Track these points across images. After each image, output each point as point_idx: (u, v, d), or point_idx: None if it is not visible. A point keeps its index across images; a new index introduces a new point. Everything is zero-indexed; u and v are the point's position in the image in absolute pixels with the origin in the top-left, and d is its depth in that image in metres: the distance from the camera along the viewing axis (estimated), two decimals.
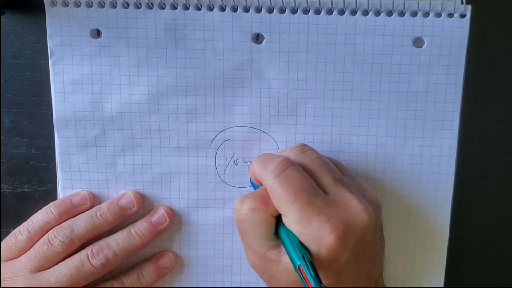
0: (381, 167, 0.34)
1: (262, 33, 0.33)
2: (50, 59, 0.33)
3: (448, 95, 0.33)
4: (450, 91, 0.33)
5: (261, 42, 0.33)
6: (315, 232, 0.26)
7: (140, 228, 0.33)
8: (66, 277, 0.31)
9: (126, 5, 0.32)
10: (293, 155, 0.29)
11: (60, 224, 0.33)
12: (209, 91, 0.33)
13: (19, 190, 0.36)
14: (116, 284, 0.33)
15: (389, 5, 0.32)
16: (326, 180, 0.28)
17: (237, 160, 0.34)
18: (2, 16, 0.34)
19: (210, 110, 0.34)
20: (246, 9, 0.32)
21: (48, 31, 0.33)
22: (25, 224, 0.33)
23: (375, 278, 0.29)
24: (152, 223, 0.34)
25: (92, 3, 0.32)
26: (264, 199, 0.28)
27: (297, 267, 0.25)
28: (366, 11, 0.32)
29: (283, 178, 0.27)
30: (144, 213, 0.34)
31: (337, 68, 0.33)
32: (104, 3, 0.32)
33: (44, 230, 0.33)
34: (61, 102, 0.33)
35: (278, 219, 0.28)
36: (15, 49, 0.34)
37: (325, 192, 0.28)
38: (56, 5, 0.32)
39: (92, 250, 0.32)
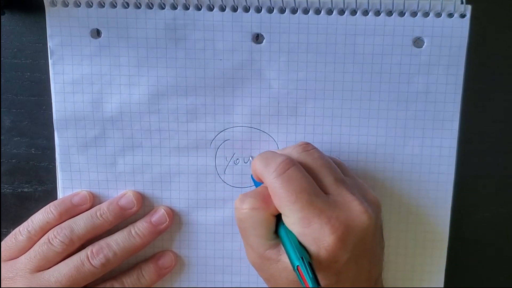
0: (381, 167, 0.34)
1: (262, 33, 0.33)
2: (50, 59, 0.33)
3: (448, 95, 0.33)
4: (450, 91, 0.33)
5: (261, 42, 0.33)
6: (315, 233, 0.26)
7: (140, 228, 0.33)
8: (66, 277, 0.31)
9: (126, 5, 0.32)
10: (295, 153, 0.29)
11: (60, 224, 0.33)
12: (209, 91, 0.33)
13: (19, 190, 0.36)
14: (116, 284, 0.33)
15: (389, 5, 0.32)
16: (328, 180, 0.28)
17: (237, 160, 0.34)
18: (2, 16, 0.34)
19: (210, 110, 0.34)
20: (246, 9, 0.32)
21: (48, 31, 0.33)
22: (25, 224, 0.33)
23: (375, 278, 0.29)
24: (152, 223, 0.34)
25: (92, 3, 0.32)
26: (265, 198, 0.28)
27: (295, 268, 0.25)
28: (366, 11, 0.32)
29: (285, 178, 0.27)
30: (144, 213, 0.34)
31: (337, 68, 0.33)
32: (104, 3, 0.32)
33: (44, 230, 0.33)
34: (61, 102, 0.33)
35: (278, 218, 0.28)
36: (15, 49, 0.34)
37: (326, 193, 0.27)
38: (56, 5, 0.32)
39: (92, 250, 0.32)
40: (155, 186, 0.35)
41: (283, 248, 0.27)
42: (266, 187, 0.28)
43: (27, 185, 0.36)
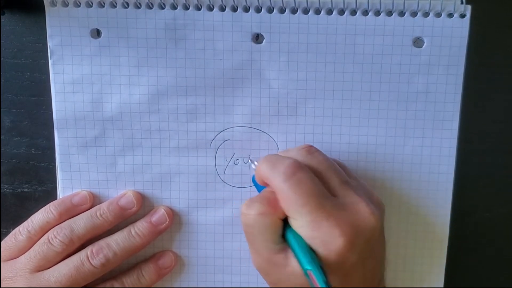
0: (381, 167, 0.34)
1: (262, 33, 0.33)
2: (50, 59, 0.33)
3: (448, 95, 0.33)
4: (450, 91, 0.33)
5: (261, 42, 0.33)
6: (324, 236, 0.26)
7: (140, 228, 0.33)
8: (66, 277, 0.31)
9: (126, 5, 0.32)
10: (299, 157, 0.29)
11: (60, 224, 0.33)
12: (209, 91, 0.33)
13: (19, 190, 0.36)
14: (116, 284, 0.33)
15: (389, 5, 0.32)
16: (334, 182, 0.28)
17: (237, 160, 0.34)
18: (2, 16, 0.34)
19: (210, 110, 0.34)
20: (246, 9, 0.32)
21: (48, 31, 0.33)
22: (25, 224, 0.33)
23: (378, 279, 0.29)
24: (152, 223, 0.34)
25: (92, 3, 0.32)
26: (272, 203, 0.27)
27: (306, 272, 0.25)
28: (366, 11, 0.32)
29: (293, 181, 0.26)
30: (144, 213, 0.34)
31: (337, 68, 0.33)
32: (104, 3, 0.32)
33: (44, 230, 0.33)
34: (61, 102, 0.33)
35: (285, 222, 0.28)
36: (15, 49, 0.34)
37: (333, 195, 0.27)
38: (56, 5, 0.32)
39: (92, 250, 0.32)
40: (155, 186, 0.35)
41: (290, 252, 0.27)
42: (272, 191, 0.28)
43: (27, 185, 0.36)
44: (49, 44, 0.33)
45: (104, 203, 0.34)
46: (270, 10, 0.32)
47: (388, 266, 0.34)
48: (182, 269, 0.36)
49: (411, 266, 0.35)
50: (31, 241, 0.32)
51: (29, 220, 0.33)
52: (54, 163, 0.35)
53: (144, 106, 0.33)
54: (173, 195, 0.35)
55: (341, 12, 0.32)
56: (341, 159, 0.34)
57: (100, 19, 0.32)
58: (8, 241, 0.33)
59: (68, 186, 0.34)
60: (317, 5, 0.32)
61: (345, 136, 0.34)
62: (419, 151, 0.34)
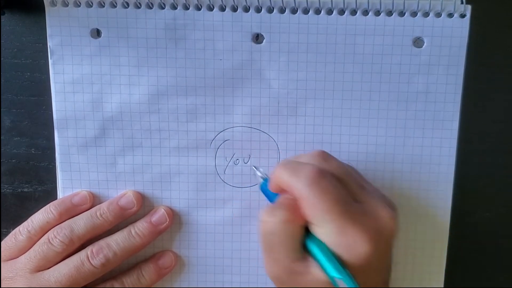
0: (381, 167, 0.34)
1: (262, 33, 0.33)
2: (50, 59, 0.33)
3: (448, 95, 0.33)
4: (450, 91, 0.33)
5: (261, 42, 0.33)
6: (349, 241, 0.25)
7: (140, 228, 0.33)
8: (66, 277, 0.31)
9: (126, 5, 0.32)
10: (315, 163, 0.28)
11: (60, 224, 0.33)
12: (209, 91, 0.33)
13: (19, 190, 0.36)
14: (116, 284, 0.33)
15: (389, 5, 0.32)
16: (352, 188, 0.28)
17: (237, 160, 0.34)
18: (2, 16, 0.34)
19: (210, 110, 0.34)
20: (246, 9, 0.32)
21: (48, 31, 0.33)
22: (25, 224, 0.33)
23: (388, 279, 0.29)
24: (152, 223, 0.34)
25: (92, 3, 0.32)
26: (295, 210, 0.27)
27: (333, 279, 0.25)
28: (366, 11, 0.32)
29: (319, 188, 0.26)
30: (144, 213, 0.34)
31: (337, 68, 0.33)
32: (104, 3, 0.32)
33: (44, 230, 0.33)
34: (61, 102, 0.33)
35: (305, 229, 0.27)
36: (15, 49, 0.34)
37: (353, 200, 0.27)
38: (56, 5, 0.32)
39: (92, 250, 0.32)
40: (155, 186, 0.35)
41: (311, 260, 0.26)
42: (292, 198, 0.27)
43: (27, 185, 0.36)
44: (49, 44, 0.33)
45: (104, 203, 0.34)
46: (270, 10, 0.32)
47: None
48: (182, 269, 0.36)
49: (411, 266, 0.35)
50: (31, 241, 0.32)
51: (29, 220, 0.33)
52: (54, 163, 0.35)
53: (144, 106, 0.33)
54: (173, 195, 0.35)
55: (341, 12, 0.32)
56: (341, 159, 0.34)
57: (100, 19, 0.32)
58: (8, 241, 0.33)
59: (68, 186, 0.34)
60: (317, 5, 0.32)
61: (345, 136, 0.34)
62: (419, 151, 0.34)
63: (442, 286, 0.35)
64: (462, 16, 0.32)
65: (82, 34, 0.33)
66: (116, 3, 0.32)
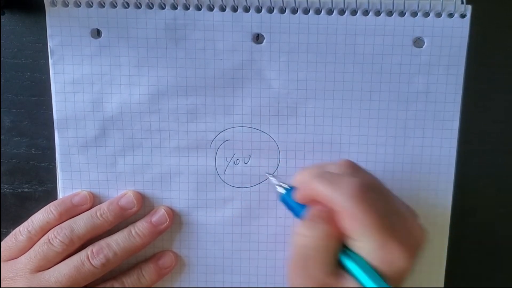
0: (381, 167, 0.34)
1: (262, 33, 0.33)
2: (51, 59, 0.33)
3: (448, 95, 0.33)
4: (450, 91, 0.33)
5: (261, 42, 0.33)
6: (389, 256, 0.25)
7: (140, 228, 0.33)
8: (66, 277, 0.31)
9: (126, 5, 0.32)
10: (346, 173, 0.28)
11: (60, 224, 0.33)
12: (209, 91, 0.33)
13: (19, 190, 0.36)
14: (116, 284, 0.33)
15: (389, 5, 0.32)
16: (386, 200, 0.27)
17: (237, 161, 0.34)
18: (2, 16, 0.34)
19: (210, 110, 0.34)
20: (246, 9, 0.32)
21: (48, 31, 0.33)
22: (25, 224, 0.33)
23: None
24: (152, 223, 0.34)
25: (92, 3, 0.32)
26: (334, 223, 0.26)
27: None
28: (366, 11, 0.32)
29: (363, 201, 0.25)
30: (144, 213, 0.34)
31: (337, 68, 0.33)
32: (104, 3, 0.32)
33: (44, 230, 0.33)
34: (61, 102, 0.33)
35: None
36: (15, 49, 0.34)
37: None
38: (56, 5, 0.32)
39: (92, 250, 0.32)
40: (155, 186, 0.34)
41: (345, 275, 0.26)
42: (328, 211, 0.26)
43: (27, 185, 0.36)
44: (50, 44, 0.33)
45: (104, 203, 0.34)
46: (270, 10, 0.32)
47: None
48: (182, 269, 0.36)
49: None
50: (31, 241, 0.32)
51: (29, 220, 0.33)
52: (54, 163, 0.34)
53: (144, 106, 0.33)
54: (173, 195, 0.35)
55: (342, 12, 0.32)
56: (341, 159, 0.34)
57: (101, 19, 0.32)
58: (8, 241, 0.33)
59: (68, 186, 0.34)
60: (318, 5, 0.32)
61: (345, 136, 0.34)
62: (419, 151, 0.34)
63: (442, 286, 0.35)
64: (463, 16, 0.32)
65: (83, 34, 0.33)
66: (116, 3, 0.32)
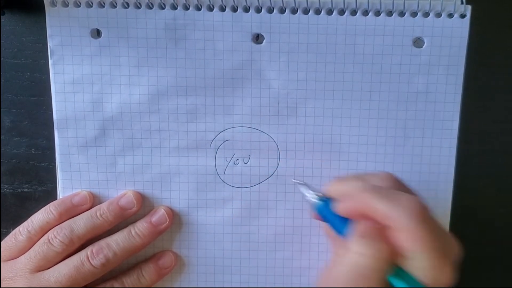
0: (381, 167, 0.34)
1: (262, 33, 0.33)
2: (51, 59, 0.33)
3: (448, 95, 0.33)
4: (450, 91, 0.33)
5: (261, 42, 0.33)
6: (440, 275, 0.25)
7: (140, 228, 0.33)
8: (66, 277, 0.31)
9: (126, 5, 0.32)
10: (389, 187, 0.27)
11: (60, 224, 0.33)
12: (209, 91, 0.33)
13: (19, 190, 0.36)
14: (116, 284, 0.33)
15: (389, 5, 0.32)
16: None
17: (237, 161, 0.34)
18: (2, 16, 0.34)
19: (210, 110, 0.34)
20: (246, 9, 0.32)
21: (48, 31, 0.33)
22: (25, 224, 0.33)
23: None
24: (152, 223, 0.34)
25: (92, 3, 0.32)
26: (389, 241, 0.25)
27: None
28: (366, 11, 0.32)
29: (423, 220, 0.25)
30: (144, 213, 0.34)
31: (337, 68, 0.33)
32: (104, 3, 0.32)
33: (44, 230, 0.33)
34: (61, 102, 0.33)
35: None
36: (15, 49, 0.34)
37: None
38: (56, 5, 0.32)
39: (92, 250, 0.32)
40: (155, 186, 0.35)
41: None
42: (381, 228, 0.26)
43: (27, 185, 0.36)
44: (49, 44, 0.33)
45: (104, 203, 0.34)
46: (270, 10, 0.32)
47: None
48: (182, 269, 0.36)
49: None
50: (31, 241, 0.32)
51: (29, 220, 0.33)
52: (54, 163, 0.35)
53: (144, 106, 0.33)
54: (173, 195, 0.35)
55: (341, 12, 0.32)
56: (341, 159, 0.34)
57: (100, 19, 0.32)
58: (8, 241, 0.33)
59: (68, 186, 0.34)
60: (317, 5, 0.32)
61: (345, 136, 0.34)
62: (419, 151, 0.34)
63: None
64: (462, 16, 0.32)
65: (82, 34, 0.33)
66: (116, 3, 0.32)
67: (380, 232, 0.26)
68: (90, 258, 0.32)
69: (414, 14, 0.32)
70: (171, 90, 0.33)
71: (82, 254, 0.32)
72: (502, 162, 0.36)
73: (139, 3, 0.32)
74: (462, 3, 0.32)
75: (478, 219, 0.36)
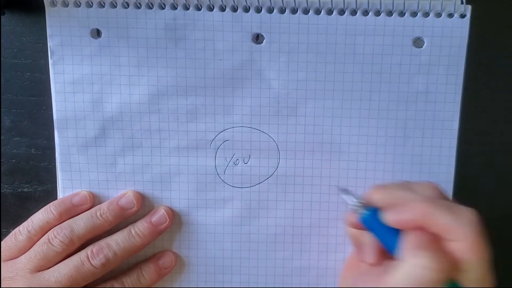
0: (381, 167, 0.34)
1: (262, 33, 0.33)
2: (51, 59, 0.33)
3: (448, 95, 0.33)
4: (450, 91, 0.33)
5: (261, 42, 0.33)
6: (483, 284, 0.25)
7: (140, 228, 0.33)
8: (66, 277, 0.31)
9: (126, 5, 0.32)
10: (434, 196, 0.27)
11: (60, 224, 0.33)
12: (209, 91, 0.33)
13: (19, 190, 0.36)
14: (116, 284, 0.33)
15: (389, 5, 0.32)
16: None
17: (237, 161, 0.34)
18: (2, 16, 0.34)
19: (210, 110, 0.34)
20: (246, 9, 0.32)
21: (48, 31, 0.33)
22: (25, 224, 0.33)
23: None
24: (152, 223, 0.34)
25: (92, 3, 0.32)
26: (445, 253, 0.25)
27: None
28: (366, 11, 0.32)
29: (481, 232, 0.25)
30: (144, 213, 0.34)
31: (337, 68, 0.33)
32: (104, 3, 0.32)
33: (44, 230, 0.33)
34: (61, 102, 0.33)
35: None
36: (15, 49, 0.34)
37: None
38: (56, 5, 0.32)
39: (92, 250, 0.32)
40: (155, 186, 0.35)
41: None
42: (436, 239, 0.25)
43: (27, 185, 0.36)
44: (49, 44, 0.33)
45: (104, 203, 0.34)
46: (270, 10, 0.32)
47: None
48: (182, 269, 0.36)
49: None
50: (31, 241, 0.32)
51: (29, 220, 0.33)
52: (54, 163, 0.35)
53: (144, 106, 0.33)
54: (173, 195, 0.35)
55: (341, 12, 0.32)
56: (341, 159, 0.34)
57: (100, 19, 0.32)
58: (8, 241, 0.33)
59: (68, 186, 0.34)
60: (317, 5, 0.32)
61: (345, 136, 0.34)
62: (419, 151, 0.34)
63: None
64: (462, 16, 0.32)
65: (82, 34, 0.33)
66: (116, 3, 0.32)
67: (436, 243, 0.25)
68: (90, 258, 0.32)
69: (414, 14, 0.32)
70: (171, 90, 0.33)
71: (82, 254, 0.32)
72: (502, 162, 0.36)
73: (139, 3, 0.32)
74: (462, 3, 0.32)
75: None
